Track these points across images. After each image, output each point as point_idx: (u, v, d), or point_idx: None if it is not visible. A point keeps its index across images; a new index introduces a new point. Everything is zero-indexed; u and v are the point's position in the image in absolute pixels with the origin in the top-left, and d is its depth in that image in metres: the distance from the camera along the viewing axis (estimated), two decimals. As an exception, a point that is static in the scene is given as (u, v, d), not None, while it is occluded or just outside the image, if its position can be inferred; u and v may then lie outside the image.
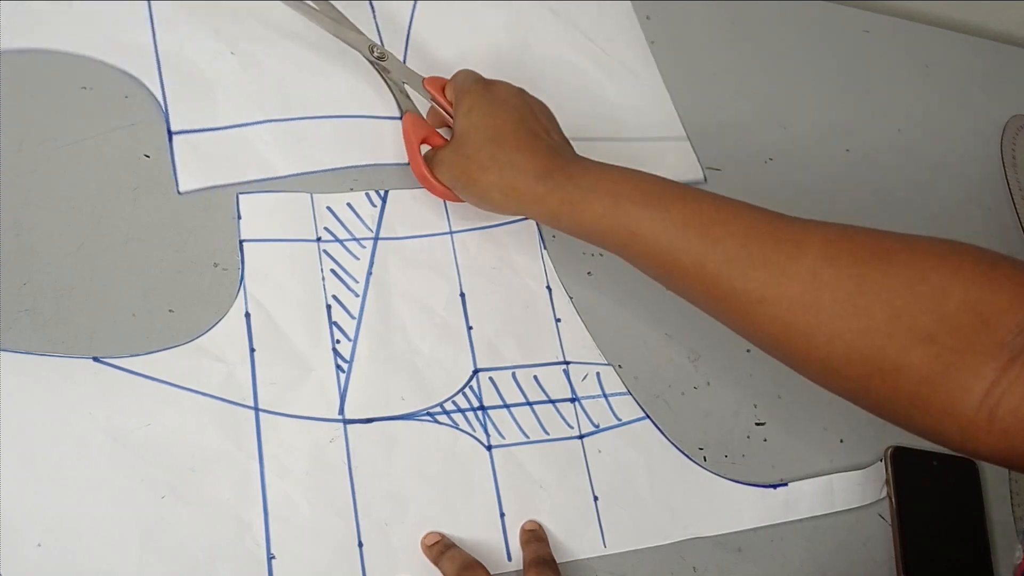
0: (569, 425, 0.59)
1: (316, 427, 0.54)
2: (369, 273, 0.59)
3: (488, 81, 0.60)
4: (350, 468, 0.54)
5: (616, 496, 0.58)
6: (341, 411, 0.55)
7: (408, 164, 0.62)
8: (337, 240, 0.59)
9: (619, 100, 0.73)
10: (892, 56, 0.86)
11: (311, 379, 0.55)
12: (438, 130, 0.63)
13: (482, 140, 0.56)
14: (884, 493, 0.62)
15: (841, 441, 0.65)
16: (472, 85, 0.59)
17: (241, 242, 0.57)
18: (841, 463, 0.64)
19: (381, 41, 0.67)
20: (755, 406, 0.64)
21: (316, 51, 0.65)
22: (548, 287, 0.63)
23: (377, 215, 0.61)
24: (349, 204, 0.61)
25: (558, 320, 0.62)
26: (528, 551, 0.54)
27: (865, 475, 0.63)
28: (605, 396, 0.61)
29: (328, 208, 0.60)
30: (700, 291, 0.49)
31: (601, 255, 0.66)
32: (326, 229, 0.59)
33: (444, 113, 0.63)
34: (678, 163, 0.72)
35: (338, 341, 0.57)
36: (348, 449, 0.54)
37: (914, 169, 0.80)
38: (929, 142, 0.82)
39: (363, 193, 0.61)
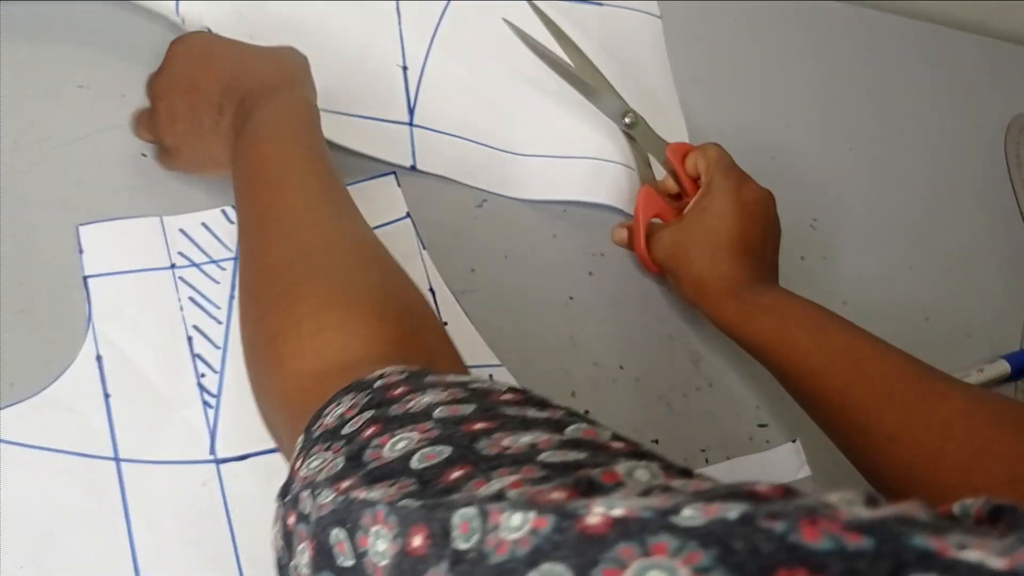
0: (464, 434, 0.56)
1: (186, 471, 0.50)
2: (232, 296, 0.55)
3: (741, 178, 0.60)
4: (227, 511, 0.50)
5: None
6: (212, 450, 0.51)
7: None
8: (194, 264, 0.55)
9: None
10: (895, 55, 0.85)
11: (176, 420, 0.51)
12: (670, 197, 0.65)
13: (704, 239, 0.59)
14: (800, 475, 0.60)
15: (843, 441, 0.64)
16: (724, 179, 0.59)
17: (85, 279, 0.53)
18: (844, 463, 0.62)
19: (403, 54, 0.65)
20: (757, 407, 0.63)
21: (336, 55, 0.63)
22: (432, 290, 0.60)
23: (236, 232, 0.57)
24: (204, 224, 0.56)
25: (444, 324, 0.59)
26: None
27: (768, 456, 0.61)
28: (500, 398, 0.58)
29: (181, 231, 0.56)
30: (838, 419, 0.51)
31: (603, 255, 0.64)
32: (180, 254, 0.55)
33: (677, 184, 0.64)
34: None
35: (203, 375, 0.53)
36: (223, 491, 0.51)
37: (917, 168, 0.79)
38: (932, 141, 0.81)
39: (219, 210, 0.57)
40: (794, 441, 0.61)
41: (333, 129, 0.59)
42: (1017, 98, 0.86)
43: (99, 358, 0.51)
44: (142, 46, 0.58)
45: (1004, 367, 0.68)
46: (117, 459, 0.50)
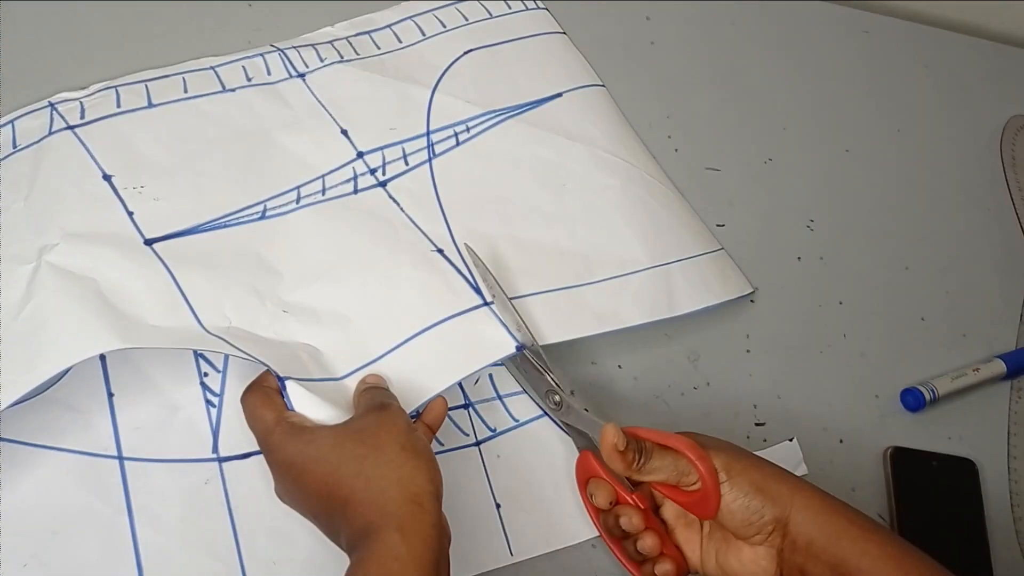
0: (464, 433, 0.57)
1: (189, 469, 0.51)
2: (234, 296, 0.55)
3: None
4: (230, 509, 0.51)
5: (519, 501, 0.56)
6: (215, 449, 0.52)
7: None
8: (196, 265, 0.56)
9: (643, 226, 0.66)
10: (892, 56, 0.86)
11: (179, 418, 0.52)
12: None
13: None
14: (797, 473, 0.61)
15: (841, 441, 0.64)
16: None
17: (89, 279, 0.53)
18: (841, 463, 0.63)
19: (427, 237, 0.60)
20: (755, 407, 0.63)
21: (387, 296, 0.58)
22: (431, 289, 0.60)
23: (239, 233, 0.57)
24: (207, 225, 0.57)
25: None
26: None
27: (766, 455, 0.61)
28: (500, 397, 0.58)
29: (184, 232, 0.56)
30: None
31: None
32: (183, 254, 0.55)
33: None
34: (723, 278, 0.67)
35: (206, 374, 0.53)
36: (226, 489, 0.51)
37: (914, 169, 0.79)
38: (929, 142, 0.82)
39: (221, 211, 0.57)
40: (791, 440, 0.62)
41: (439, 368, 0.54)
42: (1013, 99, 0.87)
43: (103, 357, 0.52)
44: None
45: (1000, 367, 0.69)
46: (120, 457, 0.50)
